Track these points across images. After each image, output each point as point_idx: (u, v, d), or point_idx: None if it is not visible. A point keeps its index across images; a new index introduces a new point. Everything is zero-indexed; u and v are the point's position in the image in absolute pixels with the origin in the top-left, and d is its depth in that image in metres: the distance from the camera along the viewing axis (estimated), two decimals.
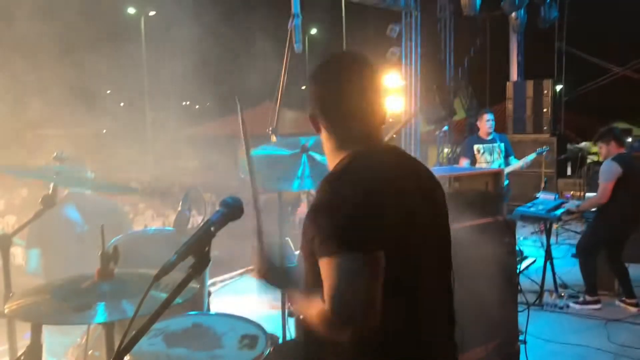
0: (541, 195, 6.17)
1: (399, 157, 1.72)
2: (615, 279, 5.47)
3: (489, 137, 6.85)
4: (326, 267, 1.46)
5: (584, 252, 5.37)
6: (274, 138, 3.26)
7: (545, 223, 5.76)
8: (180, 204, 2.79)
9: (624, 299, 5.30)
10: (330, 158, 1.73)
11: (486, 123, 6.86)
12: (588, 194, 6.05)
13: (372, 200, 1.49)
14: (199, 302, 2.68)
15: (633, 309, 5.18)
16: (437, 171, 2.19)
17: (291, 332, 3.14)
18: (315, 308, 1.47)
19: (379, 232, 1.47)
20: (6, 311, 1.75)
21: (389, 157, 1.67)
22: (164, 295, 1.44)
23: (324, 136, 1.73)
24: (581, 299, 5.37)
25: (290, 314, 2.67)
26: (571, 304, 5.34)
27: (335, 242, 1.45)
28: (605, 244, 5.31)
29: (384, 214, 1.49)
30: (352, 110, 1.66)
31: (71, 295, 1.81)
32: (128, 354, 1.42)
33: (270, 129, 3.08)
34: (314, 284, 1.50)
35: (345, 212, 1.47)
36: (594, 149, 5.51)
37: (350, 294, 1.41)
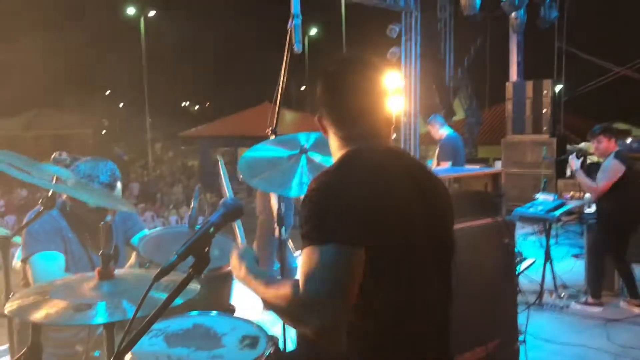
0: (540, 196, 6.17)
1: (396, 156, 1.72)
2: (619, 279, 5.47)
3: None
4: (305, 255, 1.47)
5: (593, 256, 5.36)
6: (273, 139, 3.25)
7: (544, 224, 5.76)
8: (193, 201, 2.80)
9: (628, 299, 5.30)
10: (335, 159, 1.75)
11: None
12: (587, 195, 6.05)
13: (358, 195, 1.51)
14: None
15: (638, 310, 5.18)
16: (437, 172, 2.21)
17: (291, 334, 3.15)
18: (283, 289, 1.49)
19: (361, 228, 1.47)
20: (6, 311, 1.75)
21: (384, 156, 1.68)
22: (164, 296, 1.44)
23: (329, 137, 1.77)
24: (583, 299, 5.37)
25: None
26: (572, 304, 5.34)
27: (315, 232, 1.47)
28: (611, 244, 5.29)
29: (370, 210, 1.50)
30: (357, 110, 1.70)
31: (72, 295, 1.81)
32: (128, 354, 1.42)
33: (270, 129, 3.07)
34: None
35: (329, 206, 1.49)
36: (593, 148, 5.49)
37: (321, 284, 1.41)
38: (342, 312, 1.41)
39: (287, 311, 1.48)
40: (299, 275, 1.47)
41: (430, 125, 7.55)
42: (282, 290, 1.50)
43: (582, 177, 5.50)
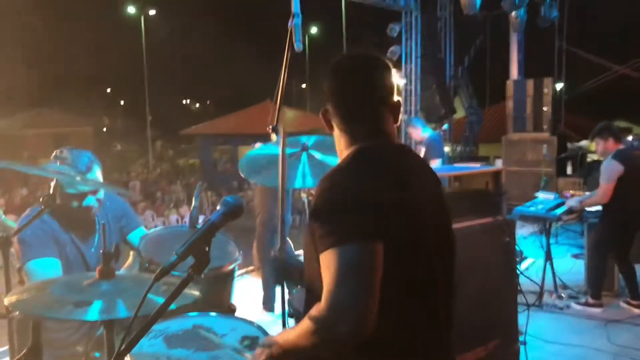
0: (541, 195, 6.16)
1: (403, 153, 1.73)
2: (621, 279, 5.46)
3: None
4: (324, 260, 1.45)
5: (595, 256, 5.34)
6: (274, 137, 3.26)
7: (544, 223, 5.74)
8: (194, 200, 2.79)
9: (628, 299, 5.28)
10: (341, 156, 1.74)
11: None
12: (587, 193, 6.04)
13: (370, 192, 1.50)
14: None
15: (637, 311, 5.16)
16: (437, 170, 2.21)
17: None
18: (305, 321, 1.44)
19: (377, 223, 1.46)
20: (6, 302, 1.76)
21: (392, 152, 1.68)
22: (163, 298, 1.44)
23: (336, 134, 1.75)
24: (583, 300, 5.36)
25: (290, 315, 2.68)
26: (572, 304, 5.33)
27: (333, 234, 1.44)
28: (614, 244, 5.28)
29: (383, 206, 1.49)
30: (365, 108, 1.69)
31: (71, 292, 1.82)
32: (128, 355, 1.42)
33: (271, 127, 3.06)
34: (321, 285, 1.47)
35: (343, 203, 1.48)
36: (594, 148, 5.48)
37: (347, 285, 1.39)
38: (367, 315, 1.38)
39: (314, 331, 1.42)
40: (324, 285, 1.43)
41: (411, 127, 7.51)
42: (301, 324, 1.45)
43: (586, 201, 5.53)
